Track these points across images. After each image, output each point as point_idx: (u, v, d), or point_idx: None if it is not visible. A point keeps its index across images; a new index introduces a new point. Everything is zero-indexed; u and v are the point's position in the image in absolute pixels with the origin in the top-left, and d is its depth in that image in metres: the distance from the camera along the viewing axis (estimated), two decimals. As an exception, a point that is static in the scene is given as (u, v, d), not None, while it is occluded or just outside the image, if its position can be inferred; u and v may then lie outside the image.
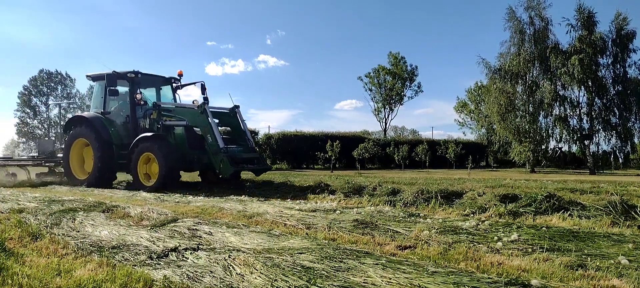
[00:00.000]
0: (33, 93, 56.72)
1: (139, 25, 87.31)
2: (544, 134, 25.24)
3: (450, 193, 6.57)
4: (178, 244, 3.48)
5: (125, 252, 3.36)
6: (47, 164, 13.09)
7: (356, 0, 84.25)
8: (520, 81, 25.57)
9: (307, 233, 4.15)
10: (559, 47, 24.36)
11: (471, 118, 48.77)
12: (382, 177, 11.98)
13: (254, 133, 26.61)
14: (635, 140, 23.98)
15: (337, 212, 5.36)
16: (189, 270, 2.81)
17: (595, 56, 23.11)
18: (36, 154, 14.64)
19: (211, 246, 3.44)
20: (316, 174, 15.16)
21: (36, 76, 56.81)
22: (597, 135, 24.22)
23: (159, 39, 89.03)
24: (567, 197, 5.76)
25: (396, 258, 3.05)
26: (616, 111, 23.71)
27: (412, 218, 4.94)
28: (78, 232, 4.19)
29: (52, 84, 57.64)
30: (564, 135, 24.49)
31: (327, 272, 2.62)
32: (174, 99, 11.84)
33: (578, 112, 24.54)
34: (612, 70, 23.99)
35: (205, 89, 11.57)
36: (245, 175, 11.41)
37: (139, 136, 9.80)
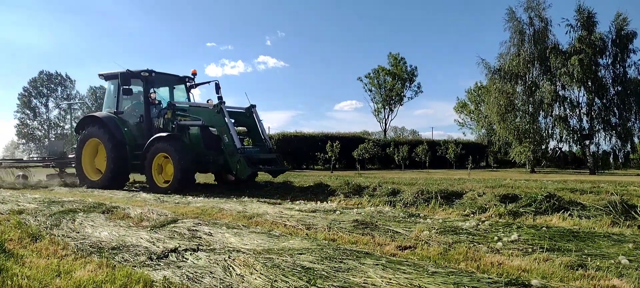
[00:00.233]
0: (33, 94, 56.77)
1: (139, 27, 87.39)
2: (544, 134, 25.25)
3: (450, 194, 6.57)
4: (178, 245, 3.47)
5: (125, 253, 3.36)
6: (57, 165, 12.87)
7: (356, 0, 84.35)
8: (520, 81, 25.58)
9: (307, 234, 4.15)
10: (558, 48, 24.38)
11: (471, 118, 48.83)
12: (382, 178, 11.98)
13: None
14: (635, 140, 23.99)
15: (337, 212, 5.36)
16: (188, 271, 2.81)
17: (595, 56, 23.12)
18: (46, 155, 14.44)
19: (211, 247, 3.44)
20: (316, 175, 15.17)
21: (36, 77, 56.89)
22: (597, 135, 24.24)
23: (159, 40, 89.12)
24: (567, 197, 5.76)
25: (396, 258, 3.05)
26: (616, 111, 23.73)
27: (412, 218, 4.94)
28: (78, 233, 4.19)
29: (52, 85, 57.69)
30: (564, 136, 24.51)
31: (327, 273, 2.61)
32: (188, 98, 11.54)
33: (578, 112, 24.55)
34: (612, 71, 24.01)
35: (220, 88, 11.26)
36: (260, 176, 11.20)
37: (154, 136, 9.54)
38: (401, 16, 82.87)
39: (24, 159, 16.93)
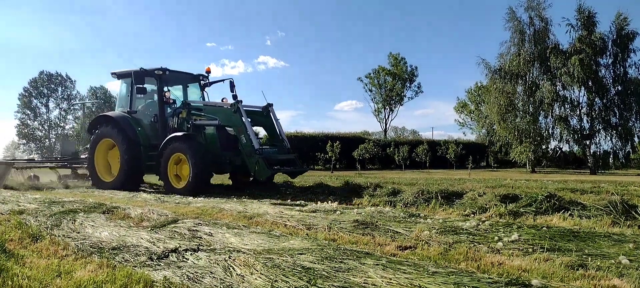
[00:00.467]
0: (33, 94, 56.79)
1: (139, 27, 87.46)
2: (545, 134, 25.26)
3: (451, 194, 6.57)
4: (178, 245, 3.47)
5: (125, 253, 3.36)
6: (70, 166, 12.59)
7: (356, 1, 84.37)
8: (520, 81, 25.59)
9: (307, 234, 4.15)
10: (559, 48, 24.39)
11: (471, 118, 48.85)
12: (383, 178, 11.98)
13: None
14: (636, 140, 23.97)
15: (338, 212, 5.35)
16: (189, 271, 2.81)
17: (595, 56, 23.13)
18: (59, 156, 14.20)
19: (211, 247, 3.44)
20: (316, 175, 15.17)
21: (36, 78, 56.90)
22: (597, 135, 24.24)
23: (159, 40, 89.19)
24: (568, 197, 5.76)
25: (396, 258, 3.05)
26: (616, 111, 23.73)
27: (413, 218, 4.93)
28: (78, 233, 4.19)
29: (53, 86, 57.70)
30: (564, 135, 24.52)
31: (327, 273, 2.61)
32: (202, 97, 11.19)
33: (578, 112, 24.55)
34: (612, 70, 24.02)
35: (234, 86, 10.89)
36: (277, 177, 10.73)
37: (169, 136, 9.25)
38: (401, 16, 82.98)
39: (36, 159, 16.59)
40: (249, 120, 9.06)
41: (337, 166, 27.19)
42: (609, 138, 24.06)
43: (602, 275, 2.73)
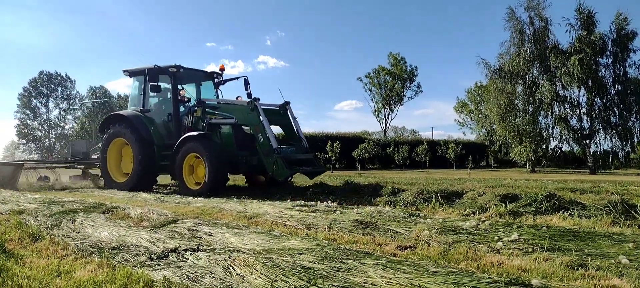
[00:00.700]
0: (33, 94, 56.80)
1: (138, 27, 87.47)
2: (544, 134, 25.27)
3: (451, 194, 6.57)
4: (178, 245, 3.47)
5: (125, 253, 3.36)
6: (80, 166, 12.38)
7: (356, 0, 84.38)
8: (520, 81, 25.60)
9: (307, 234, 4.15)
10: (558, 47, 24.39)
11: (471, 118, 48.87)
12: (382, 177, 11.97)
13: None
14: (635, 140, 23.99)
15: (337, 212, 5.35)
16: (189, 271, 2.81)
17: (595, 56, 23.14)
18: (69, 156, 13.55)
19: (211, 247, 3.44)
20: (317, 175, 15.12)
21: (36, 78, 56.91)
22: (597, 134, 24.25)
23: (158, 40, 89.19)
24: (568, 197, 5.76)
25: (396, 258, 3.04)
26: (616, 111, 23.75)
27: (412, 218, 4.93)
28: (78, 233, 4.19)
29: (52, 86, 57.71)
30: (564, 135, 24.53)
31: (327, 273, 2.61)
32: (216, 95, 10.88)
33: (578, 112, 24.56)
34: (612, 70, 24.03)
35: (249, 83, 10.55)
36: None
37: (184, 135, 8.93)
38: (401, 16, 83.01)
39: (47, 159, 16.19)
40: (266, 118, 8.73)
41: (337, 166, 27.19)
42: (608, 138, 24.09)
43: (602, 274, 2.73)
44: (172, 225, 4.42)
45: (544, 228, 4.18)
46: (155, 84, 9.44)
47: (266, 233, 3.93)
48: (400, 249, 3.50)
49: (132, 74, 10.51)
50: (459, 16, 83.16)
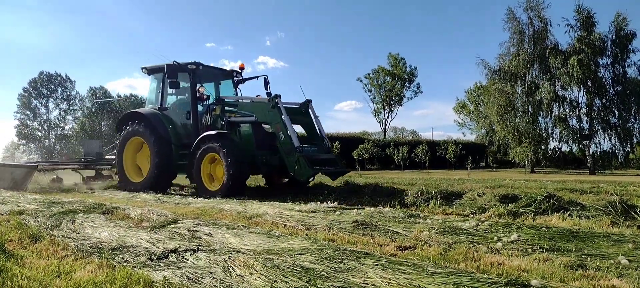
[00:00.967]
0: (33, 95, 56.75)
1: (139, 27, 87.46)
2: (544, 135, 25.28)
3: (450, 194, 6.57)
4: (178, 245, 3.47)
5: (125, 254, 3.36)
6: (96, 167, 12.06)
7: (356, 1, 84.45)
8: (519, 82, 25.62)
9: (307, 234, 4.15)
10: (558, 48, 24.42)
11: (471, 119, 48.88)
12: (382, 178, 11.98)
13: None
14: (635, 140, 24.01)
15: (337, 212, 5.36)
16: (188, 272, 2.81)
17: (594, 56, 23.17)
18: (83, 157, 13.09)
19: (211, 247, 3.44)
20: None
21: (36, 78, 56.86)
22: (596, 135, 24.26)
23: (158, 40, 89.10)
24: (567, 197, 5.76)
25: (396, 258, 3.05)
26: (616, 111, 23.77)
27: (412, 218, 4.94)
28: (78, 233, 4.19)
29: (52, 86, 57.67)
30: (563, 136, 24.54)
31: (327, 273, 2.62)
32: (235, 94, 10.59)
33: (577, 113, 24.58)
34: (611, 71, 24.06)
35: (268, 83, 10.24)
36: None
37: (202, 135, 8.61)
38: (401, 16, 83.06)
39: (60, 161, 15.78)
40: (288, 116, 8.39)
41: (337, 166, 27.18)
42: (608, 138, 24.11)
43: (602, 275, 2.73)
44: (172, 225, 4.42)
45: (543, 228, 4.18)
46: (175, 80, 9.19)
47: (266, 234, 3.94)
48: (399, 250, 3.50)
49: (150, 71, 10.25)
50: (459, 16, 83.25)
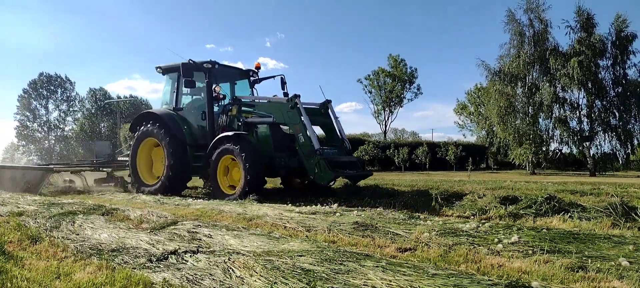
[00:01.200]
0: (33, 96, 56.79)
1: (138, 28, 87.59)
2: (544, 136, 25.26)
3: (451, 195, 6.57)
4: (178, 247, 3.47)
5: (124, 255, 3.35)
6: (105, 169, 11.81)
7: (356, 1, 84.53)
8: (520, 83, 25.61)
9: (307, 236, 4.14)
10: (558, 49, 24.41)
11: (471, 120, 48.85)
12: (382, 179, 11.97)
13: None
14: (635, 142, 23.99)
15: (337, 214, 5.35)
16: (188, 273, 2.81)
17: (594, 58, 23.15)
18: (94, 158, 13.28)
19: (211, 249, 3.43)
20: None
21: (36, 79, 56.92)
22: (597, 137, 24.24)
23: (158, 41, 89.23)
24: (568, 199, 5.76)
25: (396, 260, 3.04)
26: (616, 113, 23.75)
27: (412, 220, 4.93)
28: (77, 235, 4.19)
29: (52, 87, 57.72)
30: (564, 137, 24.52)
31: (327, 275, 2.61)
32: (252, 94, 10.31)
33: (578, 114, 24.56)
34: (611, 72, 24.04)
35: (285, 83, 10.01)
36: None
37: (219, 136, 8.38)
38: (401, 17, 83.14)
39: (74, 163, 15.44)
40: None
41: (337, 168, 27.16)
42: (608, 140, 24.09)
43: (602, 277, 2.72)
44: (172, 227, 4.41)
45: (544, 230, 4.17)
46: (190, 79, 8.89)
47: (266, 235, 3.93)
48: (400, 251, 3.50)
49: (165, 70, 10.00)
50: (459, 17, 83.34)
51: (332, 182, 8.16)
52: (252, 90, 10.38)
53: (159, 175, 9.48)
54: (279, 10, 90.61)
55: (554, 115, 24.67)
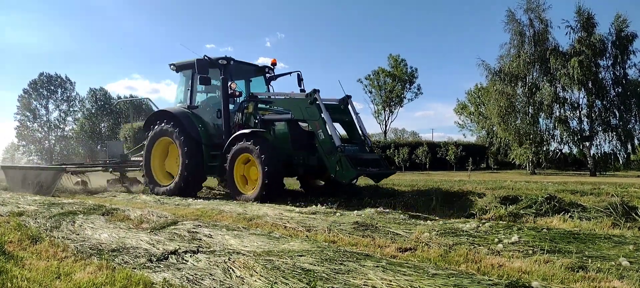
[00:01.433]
0: (33, 96, 56.79)
1: (138, 29, 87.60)
2: (545, 136, 25.25)
3: (451, 195, 6.57)
4: (178, 247, 3.47)
5: (124, 255, 3.35)
6: (118, 169, 11.45)
7: (356, 1, 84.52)
8: (520, 83, 25.60)
9: (307, 236, 4.14)
10: (558, 49, 24.39)
11: (471, 120, 48.84)
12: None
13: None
14: (636, 142, 23.98)
15: (337, 214, 5.35)
16: (188, 273, 2.81)
17: (595, 58, 23.14)
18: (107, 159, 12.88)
19: (211, 249, 3.43)
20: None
21: (36, 79, 56.91)
22: (597, 136, 24.23)
23: (158, 42, 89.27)
24: (568, 199, 5.75)
25: (396, 260, 3.04)
26: (616, 113, 23.74)
27: (412, 220, 4.93)
28: (78, 235, 4.19)
29: (52, 87, 57.71)
30: (564, 137, 24.51)
31: (327, 275, 2.61)
32: (268, 90, 10.02)
33: (578, 114, 24.55)
34: (612, 72, 24.03)
35: (302, 79, 9.71)
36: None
37: (235, 134, 8.09)
38: (401, 17, 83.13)
39: (86, 163, 15.20)
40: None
41: (337, 168, 27.15)
42: (608, 140, 24.07)
43: (603, 277, 2.72)
44: (172, 227, 4.41)
45: (544, 230, 4.17)
46: (205, 76, 8.54)
47: (266, 235, 3.93)
48: (400, 251, 3.50)
49: (179, 67, 9.75)
50: (459, 17, 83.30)
51: (355, 180, 7.93)
52: (268, 87, 10.09)
53: (173, 175, 9.28)
54: (279, 10, 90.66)
55: (554, 115, 24.66)
